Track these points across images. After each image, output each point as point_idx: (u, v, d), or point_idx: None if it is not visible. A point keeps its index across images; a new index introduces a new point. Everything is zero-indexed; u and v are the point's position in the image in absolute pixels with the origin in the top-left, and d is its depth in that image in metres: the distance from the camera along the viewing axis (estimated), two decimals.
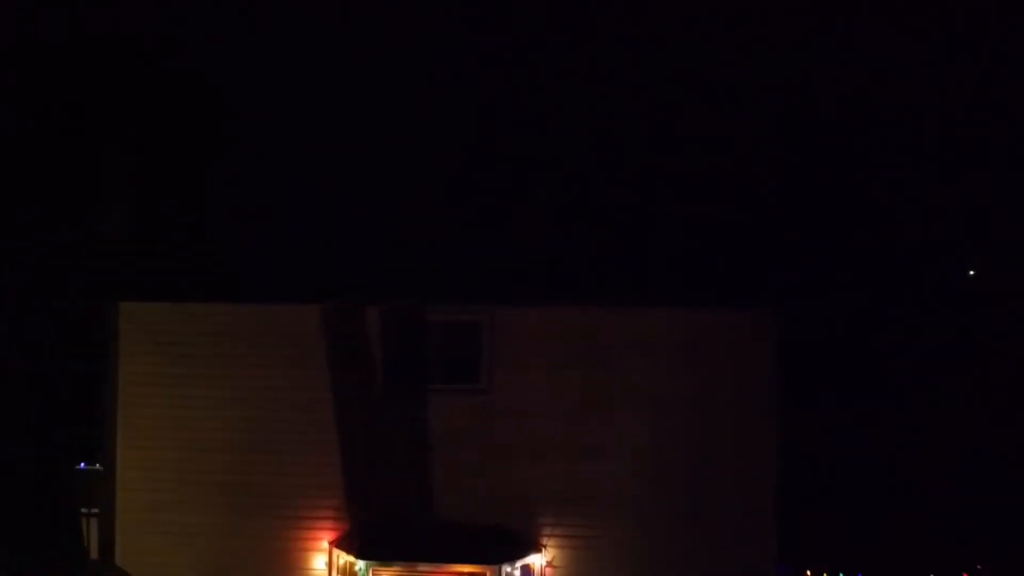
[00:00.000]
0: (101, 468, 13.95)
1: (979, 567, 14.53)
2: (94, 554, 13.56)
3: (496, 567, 13.05)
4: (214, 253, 13.92)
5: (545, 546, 13.60)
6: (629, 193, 15.20)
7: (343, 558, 13.38)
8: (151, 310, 13.96)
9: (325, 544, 13.70)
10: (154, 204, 13.57)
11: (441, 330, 13.87)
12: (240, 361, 13.91)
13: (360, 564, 13.07)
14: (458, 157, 14.58)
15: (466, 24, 16.32)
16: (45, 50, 12.05)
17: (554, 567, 13.57)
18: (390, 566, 13.19)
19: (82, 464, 14.01)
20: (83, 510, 12.89)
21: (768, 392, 13.64)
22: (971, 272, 22.22)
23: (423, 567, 13.20)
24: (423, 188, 14.26)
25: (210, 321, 13.98)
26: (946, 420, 18.09)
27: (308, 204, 14.27)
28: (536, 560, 13.49)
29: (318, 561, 13.73)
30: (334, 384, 13.81)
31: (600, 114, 16.07)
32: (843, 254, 19.62)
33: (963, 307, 20.85)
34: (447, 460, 13.69)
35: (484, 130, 14.89)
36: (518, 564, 13.33)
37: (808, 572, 14.64)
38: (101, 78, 12.66)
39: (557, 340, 13.86)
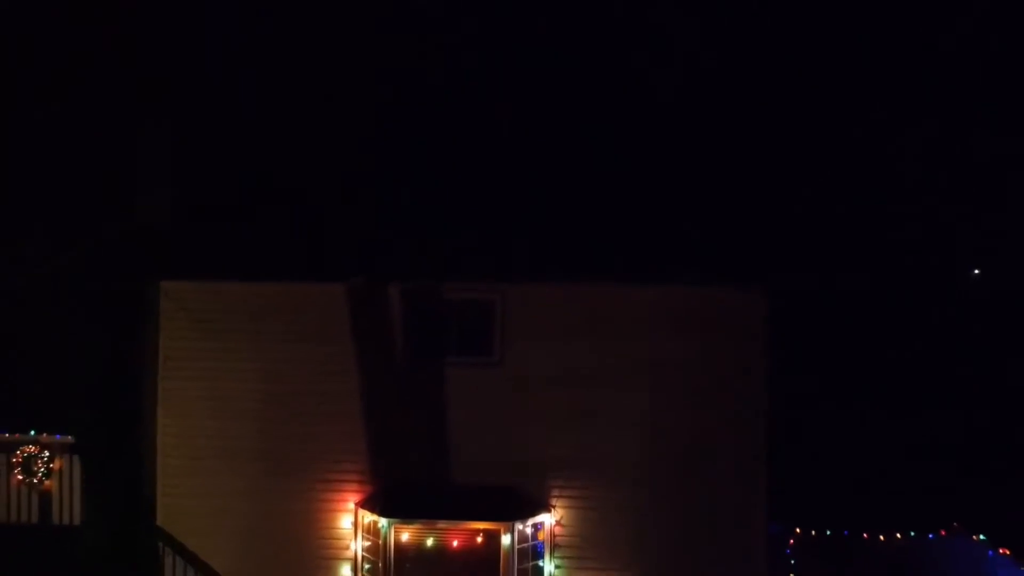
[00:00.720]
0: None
1: (955, 524, 15.76)
2: None
3: (509, 524, 13.96)
4: (246, 236, 14.81)
5: (554, 506, 14.55)
6: (629, 178, 16.14)
7: (368, 518, 14.36)
8: (189, 289, 14.93)
9: (351, 505, 14.67)
10: (190, 189, 14.66)
11: (457, 306, 14.77)
12: (271, 336, 14.84)
13: (383, 522, 14.02)
14: (473, 150, 15.64)
15: (474, 10, 17.33)
16: (90, 44, 13.07)
17: (562, 525, 14.54)
18: (411, 524, 14.13)
19: None
20: None
21: (760, 364, 14.53)
22: (975, 271, 23.20)
23: (442, 524, 14.14)
24: (440, 177, 15.37)
25: (243, 299, 14.93)
26: (927, 394, 19.29)
27: (333, 189, 15.31)
28: (546, 519, 14.44)
29: (344, 521, 14.72)
30: (358, 357, 14.74)
31: (600, 104, 16.97)
32: (836, 238, 20.57)
33: (961, 299, 21.80)
34: (463, 427, 14.61)
35: (498, 126, 15.91)
36: (529, 522, 14.22)
37: (798, 530, 15.75)
38: (139, 66, 13.59)
39: (564, 316, 14.73)
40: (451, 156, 15.56)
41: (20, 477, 15.91)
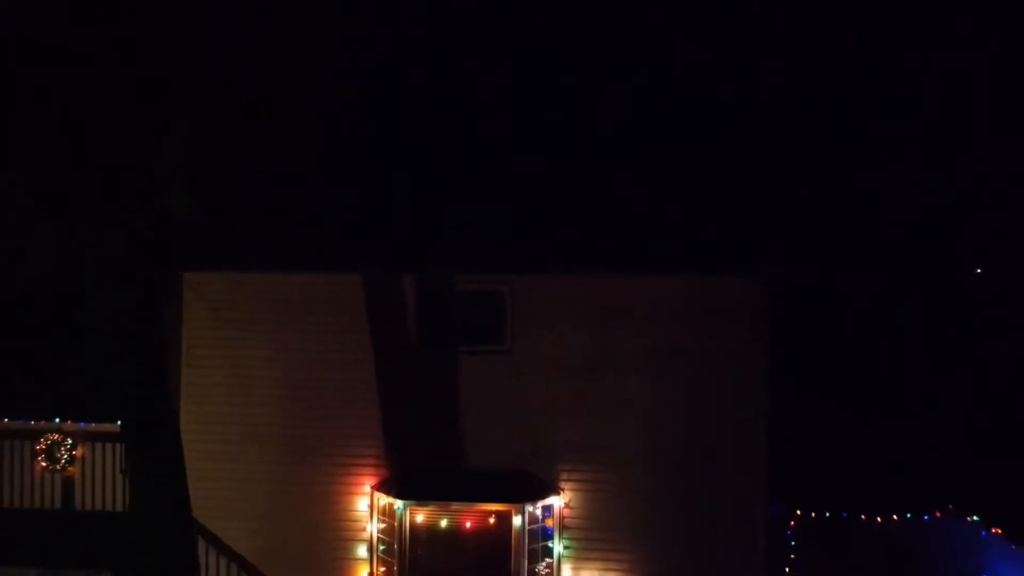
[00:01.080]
0: None
1: (949, 506, 16.56)
2: None
3: (520, 506, 14.72)
4: (266, 229, 15.49)
5: (563, 489, 15.31)
6: (632, 173, 16.80)
7: (383, 500, 15.12)
8: (210, 280, 15.69)
9: (367, 488, 15.43)
10: (212, 184, 15.36)
11: (468, 298, 15.53)
12: (290, 326, 15.58)
13: (399, 504, 14.78)
14: (484, 147, 16.27)
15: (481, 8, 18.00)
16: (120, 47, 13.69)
17: (571, 508, 15.29)
18: (426, 506, 14.92)
19: None
20: None
21: (760, 356, 15.23)
22: (978, 271, 23.57)
23: (455, 506, 14.92)
24: (453, 173, 16.11)
25: (263, 290, 15.69)
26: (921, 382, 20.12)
27: (351, 184, 15.98)
28: (555, 502, 15.18)
29: (361, 504, 15.48)
30: (374, 346, 15.48)
31: (601, 101, 17.24)
32: (836, 231, 21.20)
33: (963, 296, 22.50)
34: (475, 413, 15.37)
35: (508, 122, 16.54)
36: (539, 504, 14.98)
37: (798, 512, 16.54)
38: (152, 63, 14.18)
39: (571, 307, 15.49)
40: (463, 152, 16.23)
41: (44, 464, 16.50)
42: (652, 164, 16.40)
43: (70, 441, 16.60)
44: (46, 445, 16.58)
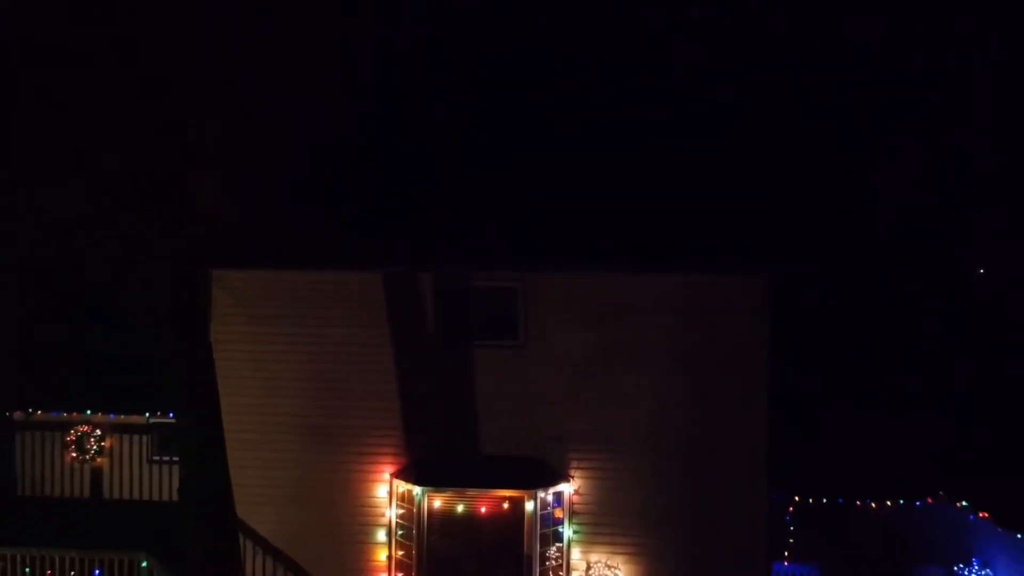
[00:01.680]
0: None
1: (940, 492, 17.83)
2: None
3: (532, 492, 15.93)
4: (291, 228, 16.65)
5: (573, 476, 16.45)
6: (637, 174, 17.33)
7: (402, 487, 16.32)
8: (239, 277, 16.78)
9: (386, 476, 16.58)
10: (238, 183, 16.48)
11: (484, 294, 16.64)
12: (313, 321, 16.68)
13: (417, 491, 16.00)
14: (499, 151, 17.27)
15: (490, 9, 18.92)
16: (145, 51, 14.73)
17: (580, 494, 16.44)
18: (443, 492, 16.13)
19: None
20: None
21: (760, 347, 16.23)
22: (980, 271, 24.44)
23: (471, 492, 16.13)
24: (469, 174, 17.10)
25: (288, 286, 16.77)
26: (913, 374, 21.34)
27: (371, 184, 17.02)
28: (565, 488, 16.36)
29: (380, 490, 16.64)
30: (394, 340, 16.62)
31: (605, 102, 18.01)
32: (837, 230, 22.31)
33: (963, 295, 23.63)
34: (490, 404, 16.50)
35: (514, 130, 17.60)
36: (550, 491, 16.15)
37: (797, 498, 17.73)
38: (187, 63, 14.60)
39: (580, 304, 16.55)
40: (480, 154, 17.32)
41: (74, 455, 17.83)
42: (655, 164, 17.32)
43: (99, 433, 17.93)
44: (76, 437, 17.87)
